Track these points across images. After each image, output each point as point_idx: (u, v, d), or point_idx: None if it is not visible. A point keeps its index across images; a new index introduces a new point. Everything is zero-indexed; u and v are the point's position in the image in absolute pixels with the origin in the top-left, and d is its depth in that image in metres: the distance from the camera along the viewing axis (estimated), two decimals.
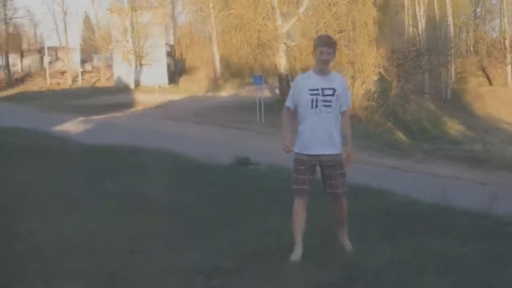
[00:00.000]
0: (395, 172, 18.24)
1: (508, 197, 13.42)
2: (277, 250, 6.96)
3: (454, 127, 46.46)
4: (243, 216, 9.01)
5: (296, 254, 6.79)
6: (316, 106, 6.78)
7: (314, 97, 6.78)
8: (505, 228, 8.88)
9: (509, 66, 61.22)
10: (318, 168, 7.03)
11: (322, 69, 6.88)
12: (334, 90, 6.83)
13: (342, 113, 7.04)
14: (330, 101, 6.80)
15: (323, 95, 6.78)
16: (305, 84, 6.91)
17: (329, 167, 6.90)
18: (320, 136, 6.80)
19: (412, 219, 9.08)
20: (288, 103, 7.08)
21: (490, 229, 8.71)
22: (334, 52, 6.98)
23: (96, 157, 15.47)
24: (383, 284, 5.84)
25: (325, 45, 6.88)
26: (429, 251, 7.12)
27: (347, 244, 7.15)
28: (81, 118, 30.16)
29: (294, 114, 7.05)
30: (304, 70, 47.09)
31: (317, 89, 6.79)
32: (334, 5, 38.51)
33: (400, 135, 36.07)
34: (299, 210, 7.01)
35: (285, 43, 39.20)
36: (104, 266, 6.36)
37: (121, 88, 51.25)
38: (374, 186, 12.56)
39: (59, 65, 59.13)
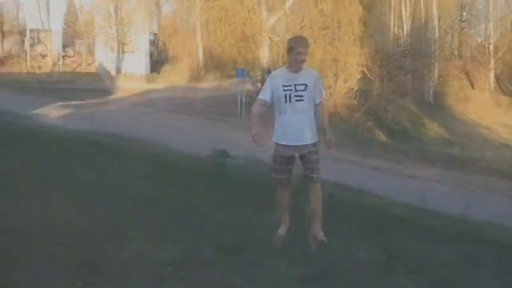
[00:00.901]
0: (374, 172, 18.32)
1: (483, 202, 13.57)
2: (250, 244, 6.96)
3: (434, 129, 46.64)
4: (218, 208, 9.02)
5: (282, 229, 7.45)
6: (290, 101, 7.23)
7: (288, 93, 7.23)
8: (479, 233, 8.98)
9: (492, 72, 61.44)
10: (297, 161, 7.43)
11: (298, 67, 7.29)
12: (306, 85, 7.28)
13: (318, 104, 7.50)
14: (302, 96, 7.25)
15: (296, 90, 7.23)
16: (279, 80, 7.35)
17: (306, 155, 7.32)
18: (295, 128, 7.27)
19: (389, 219, 9.16)
20: (262, 96, 7.47)
21: (463, 233, 8.79)
22: (308, 51, 7.48)
23: (73, 143, 15.39)
24: (352, 282, 5.87)
25: (303, 47, 7.32)
26: (401, 252, 7.18)
27: (320, 235, 7.31)
28: (61, 103, 29.92)
29: (268, 107, 7.48)
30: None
31: (290, 85, 7.23)
32: (320, 2, 38.63)
33: (380, 135, 36.20)
34: (283, 196, 7.51)
35: (269, 37, 39.21)
36: (79, 251, 6.34)
37: (102, 75, 50.93)
38: (352, 185, 12.64)
39: (40, 49, 58.56)
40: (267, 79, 7.65)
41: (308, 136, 7.33)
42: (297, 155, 7.36)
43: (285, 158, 7.36)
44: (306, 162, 7.33)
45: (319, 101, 7.49)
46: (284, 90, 7.25)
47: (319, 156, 7.37)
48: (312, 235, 7.33)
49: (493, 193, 16.90)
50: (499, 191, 17.23)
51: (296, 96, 7.24)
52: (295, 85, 7.24)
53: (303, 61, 7.29)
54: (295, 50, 7.23)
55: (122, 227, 7.41)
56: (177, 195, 9.96)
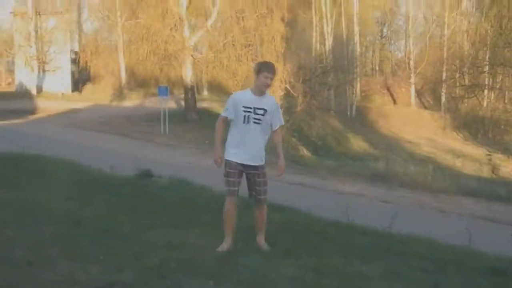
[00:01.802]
0: (299, 188, 18.37)
1: (409, 216, 13.74)
2: (178, 263, 6.92)
3: (358, 144, 47.22)
4: (144, 228, 8.94)
5: (225, 245, 7.76)
6: (248, 122, 7.69)
7: (247, 114, 7.67)
8: (405, 247, 9.05)
9: (412, 86, 62.59)
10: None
11: (262, 91, 7.78)
12: (265, 110, 7.74)
13: (275, 131, 8.06)
14: (260, 119, 7.72)
15: (255, 113, 7.68)
16: (241, 101, 7.76)
17: (254, 175, 7.91)
18: (248, 148, 7.77)
19: (315, 236, 9.17)
20: (225, 113, 7.88)
21: (390, 248, 8.86)
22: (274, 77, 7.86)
23: (2, 166, 15.08)
24: None
25: (271, 72, 7.74)
26: (330, 269, 7.19)
27: (263, 245, 8.09)
28: None
29: (227, 124, 7.90)
30: (211, 82, 47.44)
31: (251, 108, 7.67)
32: (242, 19, 39.06)
33: (304, 151, 36.41)
34: (231, 208, 7.85)
35: (192, 55, 39.25)
36: None
37: (23, 94, 50.22)
38: (277, 202, 12.60)
39: None
40: (229, 98, 8.04)
41: (258, 158, 7.88)
42: (244, 171, 7.82)
43: (236, 172, 7.79)
44: (254, 183, 7.86)
45: (277, 128, 8.00)
46: (244, 111, 7.65)
47: (266, 179, 8.02)
48: (257, 246, 8.07)
49: (418, 207, 17.13)
50: (424, 205, 17.48)
51: (255, 118, 7.67)
52: (255, 108, 7.66)
53: (269, 85, 7.73)
54: (264, 74, 7.64)
55: (45, 249, 7.29)
56: (100, 215, 9.81)
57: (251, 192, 8.05)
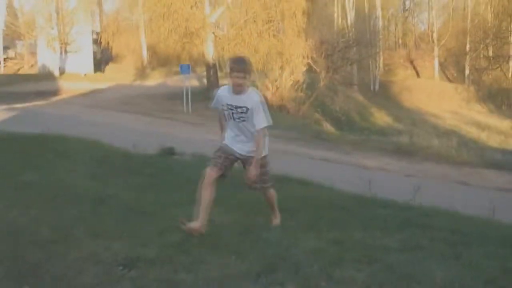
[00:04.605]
0: (323, 163, 18.40)
1: (432, 189, 13.73)
2: (200, 239, 6.96)
3: (382, 118, 47.12)
4: (167, 205, 9.00)
5: (195, 224, 7.19)
6: (233, 119, 7.42)
7: (229, 112, 7.39)
8: (427, 219, 9.05)
9: (436, 59, 62.21)
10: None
11: (236, 89, 7.27)
12: (247, 108, 7.29)
13: (256, 131, 7.38)
14: (243, 117, 7.35)
15: (237, 112, 7.34)
16: (223, 98, 7.45)
17: (244, 163, 7.59)
18: (236, 141, 7.52)
19: (337, 210, 9.19)
20: (211, 104, 7.73)
21: (412, 220, 8.86)
22: (247, 74, 7.35)
23: (18, 145, 15.19)
24: (303, 274, 5.88)
25: (240, 71, 7.20)
26: (351, 241, 7.22)
27: (274, 222, 8.04)
28: (4, 106, 29.58)
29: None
30: None
31: (232, 106, 7.34)
32: None
33: (328, 126, 36.41)
34: (208, 182, 7.34)
35: (213, 33, 39.27)
36: (24, 255, 6.27)
37: (46, 76, 50.39)
38: (301, 177, 12.65)
39: None
40: (214, 93, 7.75)
41: (249, 149, 7.46)
42: (236, 158, 7.61)
43: (227, 155, 7.50)
44: (246, 171, 7.54)
45: (257, 128, 7.35)
46: (227, 109, 7.40)
47: (261, 169, 7.45)
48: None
49: (441, 180, 17.11)
50: (448, 178, 17.46)
51: (238, 116, 7.36)
52: (236, 106, 7.32)
53: (239, 84, 7.22)
54: (232, 73, 7.25)
55: (70, 228, 7.38)
56: (124, 194, 9.91)
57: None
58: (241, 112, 7.31)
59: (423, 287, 5.76)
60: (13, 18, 63.39)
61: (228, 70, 7.50)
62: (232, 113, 7.37)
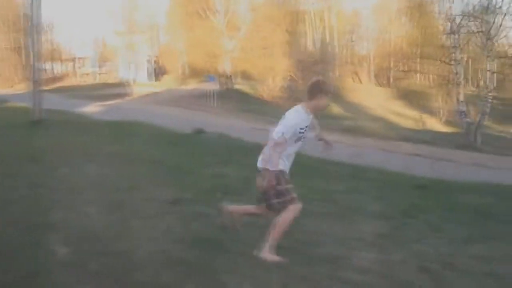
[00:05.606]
0: None
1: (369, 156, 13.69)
2: (223, 188, 6.85)
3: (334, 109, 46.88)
4: (199, 166, 8.89)
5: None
6: (301, 140, 4.47)
7: (303, 134, 4.46)
8: (364, 174, 9.19)
9: (372, 72, 61.85)
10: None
11: (319, 111, 4.62)
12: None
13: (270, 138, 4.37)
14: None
15: (306, 131, 4.52)
16: (301, 123, 4.45)
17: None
18: (289, 162, 4.53)
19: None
20: (283, 134, 4.40)
21: (354, 174, 9.00)
22: None
23: (108, 128, 15.07)
24: None
25: (330, 93, 4.66)
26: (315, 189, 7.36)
27: (262, 258, 4.36)
28: (98, 103, 29.41)
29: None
30: (242, 73, 48.50)
31: (308, 127, 4.51)
32: (260, 31, 41.01)
33: None
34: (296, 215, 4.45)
35: (229, 56, 40.56)
36: (112, 196, 6.26)
37: (124, 84, 49.05)
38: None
39: (84, 69, 57.37)
40: (288, 124, 4.44)
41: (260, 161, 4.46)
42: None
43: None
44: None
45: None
46: (303, 131, 4.46)
47: (266, 185, 4.31)
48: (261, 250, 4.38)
49: (375, 149, 17.02)
50: (379, 148, 17.40)
51: (304, 136, 4.50)
52: (308, 126, 4.55)
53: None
54: (328, 94, 4.61)
55: (135, 179, 7.40)
56: (171, 158, 9.89)
57: None
58: (307, 130, 4.53)
59: None
60: (103, 48, 62.44)
61: (316, 92, 4.48)
62: (304, 134, 4.48)
